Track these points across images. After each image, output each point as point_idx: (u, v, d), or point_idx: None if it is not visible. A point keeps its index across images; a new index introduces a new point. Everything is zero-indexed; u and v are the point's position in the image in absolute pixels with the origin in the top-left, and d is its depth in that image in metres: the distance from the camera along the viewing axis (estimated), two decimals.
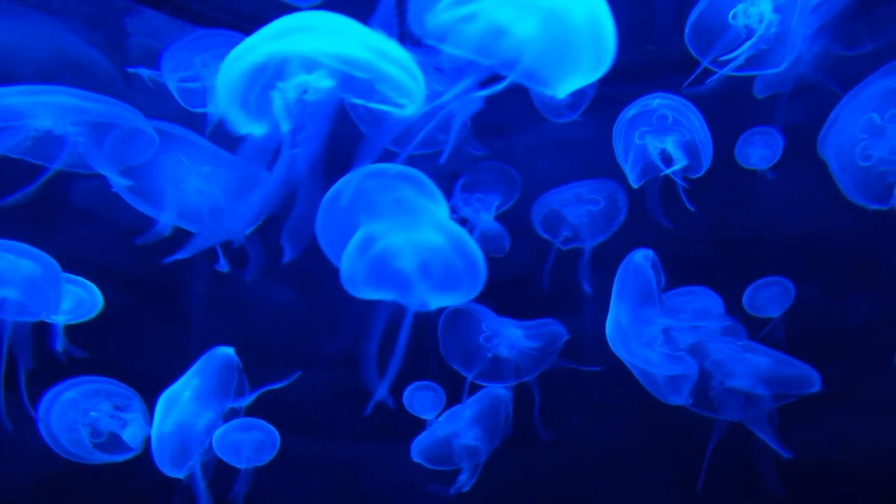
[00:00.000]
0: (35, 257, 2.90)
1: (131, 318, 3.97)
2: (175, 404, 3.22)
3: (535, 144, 4.49)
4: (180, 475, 3.16)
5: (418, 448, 4.06)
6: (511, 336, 3.62)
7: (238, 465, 3.52)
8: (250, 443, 3.47)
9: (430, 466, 4.02)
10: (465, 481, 3.79)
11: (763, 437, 2.83)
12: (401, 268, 1.96)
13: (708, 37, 2.75)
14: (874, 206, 3.06)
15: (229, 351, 3.24)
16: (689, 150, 2.84)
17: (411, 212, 1.95)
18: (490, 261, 4.12)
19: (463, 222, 4.14)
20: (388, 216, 1.94)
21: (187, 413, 3.21)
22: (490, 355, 3.71)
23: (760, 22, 2.69)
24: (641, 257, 2.51)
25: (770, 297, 3.67)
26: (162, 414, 3.15)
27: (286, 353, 4.19)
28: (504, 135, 4.46)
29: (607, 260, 4.15)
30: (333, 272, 1.96)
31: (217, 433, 3.32)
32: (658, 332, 2.51)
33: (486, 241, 4.17)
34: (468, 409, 3.92)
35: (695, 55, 2.80)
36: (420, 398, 3.73)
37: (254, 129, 1.96)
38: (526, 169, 4.34)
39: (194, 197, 2.88)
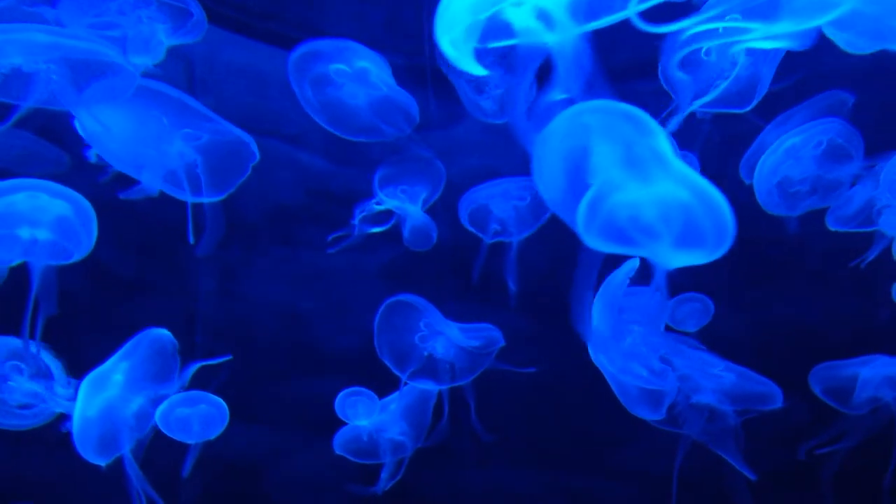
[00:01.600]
0: (68, 197, 2.76)
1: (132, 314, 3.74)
2: (103, 387, 3.06)
3: (470, 139, 4.48)
4: (103, 462, 3.02)
5: (341, 440, 4.00)
6: (450, 335, 3.61)
7: (188, 441, 3.41)
8: (198, 417, 3.35)
9: (353, 460, 3.97)
10: (387, 478, 3.77)
11: (729, 458, 2.92)
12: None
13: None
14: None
15: (163, 332, 3.12)
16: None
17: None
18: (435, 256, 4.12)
19: (389, 215, 4.08)
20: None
21: (116, 397, 3.08)
22: (426, 354, 3.69)
23: (734, 64, 2.76)
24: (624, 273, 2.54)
25: (689, 312, 3.84)
26: (87, 396, 2.99)
27: (290, 353, 4.02)
28: (442, 128, 4.42)
29: (533, 256, 4.24)
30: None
31: (161, 411, 3.19)
32: (639, 344, 2.55)
33: (414, 235, 4.13)
34: (395, 403, 3.89)
35: (665, 87, 2.83)
36: (352, 404, 3.66)
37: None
38: (457, 163, 4.34)
39: (174, 161, 2.76)
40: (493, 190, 4.34)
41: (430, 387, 3.69)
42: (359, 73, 3.78)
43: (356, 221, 4.02)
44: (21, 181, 2.72)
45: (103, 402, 3.08)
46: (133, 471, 3.04)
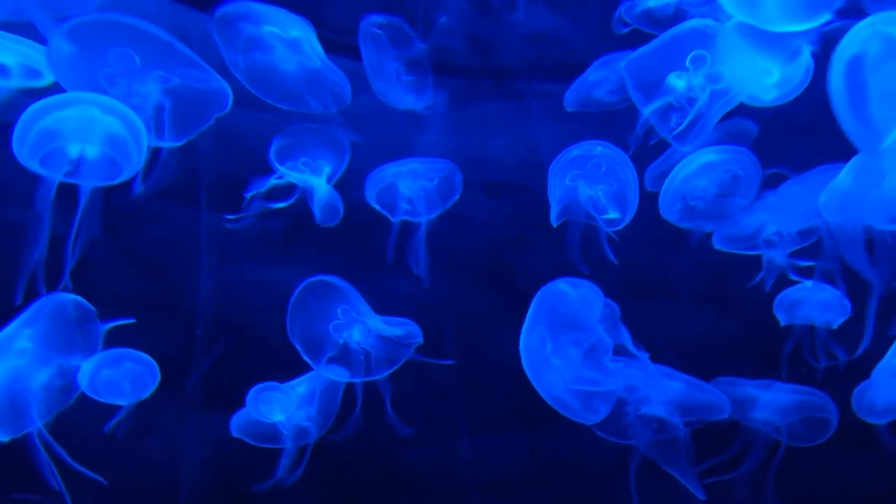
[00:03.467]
0: (120, 113, 2.64)
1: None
2: (2, 356, 2.85)
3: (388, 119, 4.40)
4: (6, 437, 2.83)
5: (239, 422, 3.86)
6: (369, 324, 3.55)
7: (122, 403, 3.26)
8: (126, 376, 3.19)
9: (251, 443, 3.85)
10: (288, 465, 3.69)
11: (678, 476, 3.02)
12: None
13: (645, 84, 2.86)
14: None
15: (72, 297, 2.92)
16: (617, 201, 2.97)
17: None
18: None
19: (291, 189, 3.96)
20: None
21: (18, 367, 2.88)
22: (341, 342, 3.61)
23: (694, 99, 2.86)
24: (566, 284, 2.61)
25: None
26: None
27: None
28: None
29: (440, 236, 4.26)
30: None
31: (84, 376, 3.00)
32: (588, 348, 2.62)
33: (322, 211, 4.03)
34: (301, 386, 3.80)
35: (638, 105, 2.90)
36: (266, 400, 3.52)
37: None
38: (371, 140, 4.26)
39: (139, 100, 2.70)
40: (401, 169, 4.29)
41: (343, 377, 3.61)
42: (292, 40, 3.59)
43: (249, 196, 3.85)
44: (73, 95, 2.60)
45: (4, 371, 2.87)
46: (45, 447, 2.81)
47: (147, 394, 3.28)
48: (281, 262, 4.12)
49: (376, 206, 4.32)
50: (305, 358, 3.68)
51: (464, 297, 4.26)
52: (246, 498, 3.75)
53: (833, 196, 2.68)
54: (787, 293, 3.64)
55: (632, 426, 2.97)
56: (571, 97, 4.37)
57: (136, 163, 2.72)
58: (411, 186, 4.32)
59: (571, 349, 2.64)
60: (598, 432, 2.90)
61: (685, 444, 2.99)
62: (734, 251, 3.63)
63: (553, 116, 3.93)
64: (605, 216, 2.90)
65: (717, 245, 3.63)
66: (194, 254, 4.12)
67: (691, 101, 2.89)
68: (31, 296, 2.79)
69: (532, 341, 2.64)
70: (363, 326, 3.62)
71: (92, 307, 3.00)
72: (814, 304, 3.61)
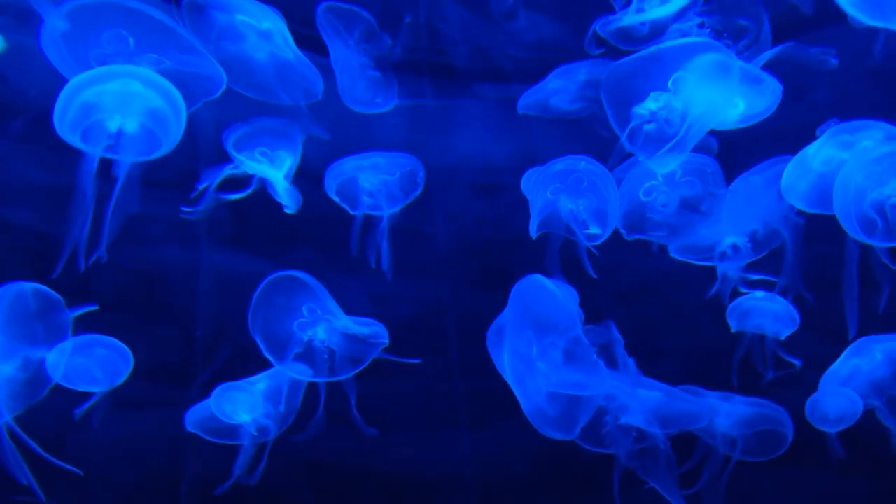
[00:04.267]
0: (160, 87, 2.65)
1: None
2: None
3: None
4: None
5: (195, 418, 3.80)
6: (335, 323, 3.53)
7: (96, 390, 3.21)
8: (97, 363, 3.14)
9: (207, 439, 3.79)
10: (244, 463, 3.65)
11: (659, 487, 3.08)
12: None
13: (621, 100, 2.92)
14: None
15: (32, 286, 2.86)
16: (597, 216, 3.03)
17: None
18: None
19: (248, 180, 3.91)
20: None
21: None
22: (305, 339, 3.59)
23: (670, 121, 2.94)
24: (554, 287, 2.64)
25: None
26: None
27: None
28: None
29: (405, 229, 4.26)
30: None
31: (53, 364, 2.92)
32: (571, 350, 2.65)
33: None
34: (261, 382, 3.76)
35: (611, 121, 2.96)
36: (230, 399, 3.47)
37: None
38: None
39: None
40: (363, 162, 4.28)
41: (305, 375, 3.58)
42: (265, 31, 3.53)
43: (201, 187, 3.78)
44: (114, 68, 2.60)
45: None
46: (12, 442, 2.75)
47: (121, 380, 3.23)
48: (278, 261, 4.05)
49: (336, 199, 4.28)
50: (267, 355, 3.63)
51: (464, 297, 4.27)
52: (247, 498, 3.71)
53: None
54: (740, 301, 3.77)
55: (611, 435, 2.99)
56: (527, 101, 4.43)
57: (174, 137, 2.72)
58: (372, 180, 4.30)
59: (556, 352, 2.67)
60: (577, 441, 2.94)
61: (665, 454, 3.04)
62: (690, 262, 3.73)
63: (552, 122, 3.96)
64: (587, 231, 2.94)
65: (674, 255, 3.72)
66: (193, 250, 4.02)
67: (668, 122, 2.94)
68: (72, 271, 2.68)
69: (519, 344, 2.65)
70: (329, 325, 3.60)
71: (57, 296, 2.91)
72: (765, 313, 3.76)
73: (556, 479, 4.29)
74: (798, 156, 3.06)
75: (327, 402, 3.62)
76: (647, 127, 2.92)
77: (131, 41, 2.64)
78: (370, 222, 4.25)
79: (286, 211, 3.84)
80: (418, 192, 4.22)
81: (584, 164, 2.91)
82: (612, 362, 2.76)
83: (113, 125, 2.66)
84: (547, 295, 2.64)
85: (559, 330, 2.64)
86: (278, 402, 3.62)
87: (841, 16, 3.39)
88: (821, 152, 3.12)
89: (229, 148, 3.77)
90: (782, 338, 3.69)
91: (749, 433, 3.38)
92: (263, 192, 3.63)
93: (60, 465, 2.85)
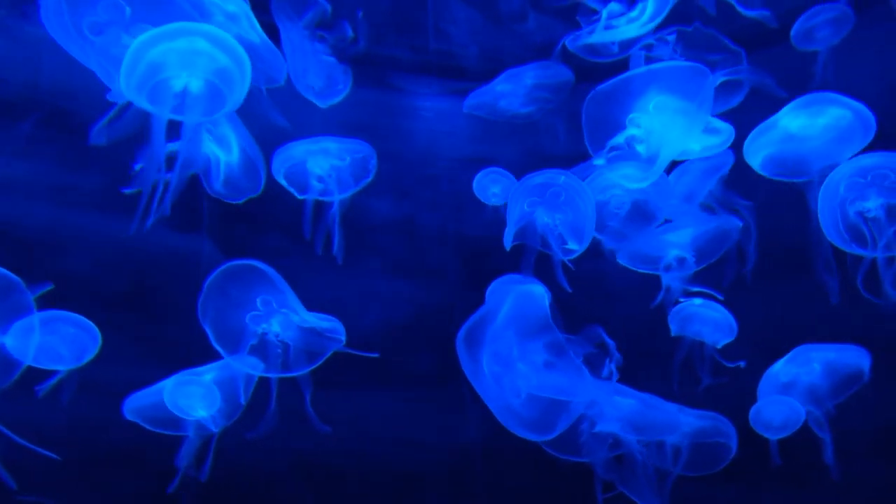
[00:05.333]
0: (226, 45, 2.60)
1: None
2: None
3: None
4: None
5: (136, 406, 3.68)
6: (291, 317, 3.47)
7: (63, 368, 3.16)
8: (63, 341, 3.08)
9: (148, 428, 3.69)
10: (188, 454, 3.57)
11: (636, 498, 3.12)
12: None
13: (600, 125, 2.99)
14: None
15: None
16: (573, 231, 3.08)
17: None
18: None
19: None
20: None
21: None
22: (259, 332, 3.52)
23: (640, 142, 3.03)
24: (538, 290, 2.69)
25: None
26: None
27: None
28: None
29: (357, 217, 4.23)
30: None
31: (14, 343, 2.84)
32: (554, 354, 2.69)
33: (227, 184, 3.91)
34: (209, 374, 3.67)
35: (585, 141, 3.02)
36: (185, 394, 3.37)
37: None
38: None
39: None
40: (312, 147, 4.21)
41: (257, 369, 3.52)
42: (231, 14, 3.40)
43: (137, 168, 3.65)
44: (180, 26, 2.56)
45: None
46: None
47: (88, 358, 3.17)
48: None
49: (283, 183, 4.20)
50: (215, 345, 3.55)
51: (464, 298, 4.25)
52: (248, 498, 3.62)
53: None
54: (683, 306, 3.91)
55: (587, 444, 3.02)
56: (473, 102, 4.44)
57: (239, 95, 2.70)
58: (322, 165, 4.24)
59: (539, 355, 2.69)
60: (552, 451, 2.97)
61: (643, 463, 3.10)
62: (637, 269, 3.85)
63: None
64: (564, 246, 2.99)
65: (621, 261, 3.83)
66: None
67: (642, 143, 3.01)
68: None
69: (499, 346, 2.67)
70: (284, 318, 3.53)
71: (15, 277, 2.77)
72: (705, 321, 3.92)
73: (560, 479, 4.37)
74: (765, 123, 3.20)
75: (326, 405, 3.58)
76: (620, 145, 2.98)
77: (128, 10, 2.58)
78: (321, 208, 4.19)
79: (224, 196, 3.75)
80: (369, 179, 4.18)
81: (563, 178, 2.94)
82: (595, 368, 2.79)
83: (178, 84, 2.61)
84: (530, 297, 2.66)
85: (542, 332, 2.66)
86: (236, 396, 3.54)
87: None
88: (785, 120, 3.26)
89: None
90: (719, 346, 3.85)
91: (695, 444, 3.49)
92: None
93: (34, 448, 2.73)
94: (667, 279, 3.81)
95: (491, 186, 4.23)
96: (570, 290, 2.90)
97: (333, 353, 3.42)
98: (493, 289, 2.92)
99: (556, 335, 2.65)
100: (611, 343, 2.75)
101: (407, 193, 4.42)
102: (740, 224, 3.69)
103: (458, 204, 4.25)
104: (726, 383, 3.71)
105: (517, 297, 2.63)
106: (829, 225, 2.88)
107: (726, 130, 3.28)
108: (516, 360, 2.62)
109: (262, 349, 3.52)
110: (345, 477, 4.41)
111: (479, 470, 4.44)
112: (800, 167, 3.19)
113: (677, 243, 3.75)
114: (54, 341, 3.07)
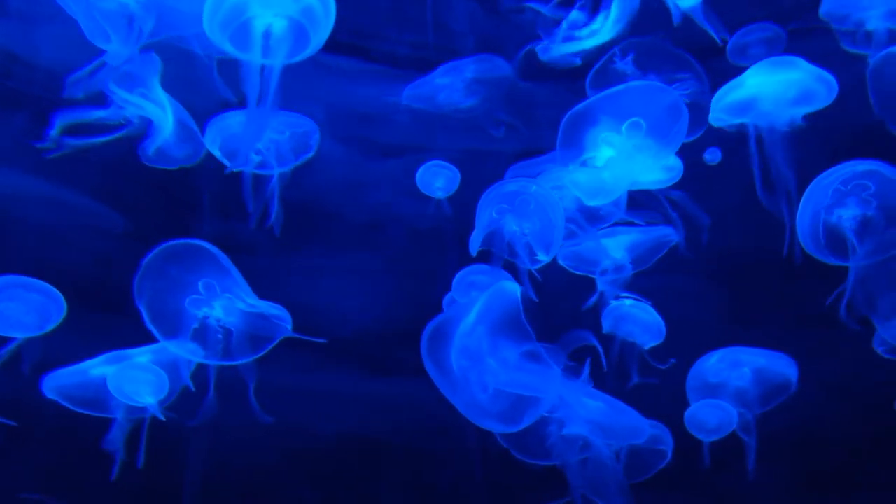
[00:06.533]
0: None
1: None
2: None
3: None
4: None
5: (58, 383, 3.48)
6: (235, 302, 3.35)
7: (24, 335, 3.08)
8: (26, 307, 3.00)
9: (70, 408, 3.51)
10: (119, 438, 3.42)
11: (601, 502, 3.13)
12: None
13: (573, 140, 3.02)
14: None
15: None
16: (541, 240, 3.09)
17: None
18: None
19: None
20: None
21: None
22: (200, 316, 3.39)
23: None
24: (512, 287, 2.72)
25: None
26: None
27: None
28: None
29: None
30: None
31: None
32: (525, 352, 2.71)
33: (158, 153, 3.77)
34: (143, 356, 3.52)
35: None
36: (132, 380, 3.20)
37: None
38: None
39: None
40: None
41: (195, 355, 3.39)
42: None
43: (54, 133, 3.45)
44: None
45: None
46: None
47: (53, 325, 3.10)
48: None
49: (217, 154, 4.03)
50: (149, 327, 3.39)
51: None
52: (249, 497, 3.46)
53: None
54: (617, 306, 4.03)
55: (555, 447, 3.02)
56: (412, 93, 4.37)
57: (323, 35, 2.66)
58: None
59: (510, 351, 2.69)
60: (520, 455, 2.98)
61: (612, 468, 3.13)
62: (575, 271, 3.92)
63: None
64: (533, 256, 3.00)
65: (561, 262, 3.89)
66: None
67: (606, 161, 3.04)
68: None
69: (471, 341, 2.65)
70: (228, 304, 3.40)
71: None
72: (637, 322, 4.05)
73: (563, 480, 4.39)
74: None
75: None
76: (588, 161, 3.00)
77: None
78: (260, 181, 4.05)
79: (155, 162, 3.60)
80: (310, 155, 4.06)
81: (534, 187, 2.93)
82: (569, 369, 2.80)
83: (261, 25, 2.60)
84: (504, 294, 2.65)
85: (514, 330, 2.67)
86: (179, 381, 3.40)
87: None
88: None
89: (110, 87, 3.41)
90: (646, 348, 3.98)
91: (630, 450, 3.59)
92: None
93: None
94: (601, 283, 3.89)
95: (434, 180, 4.20)
96: (536, 300, 2.91)
97: (331, 351, 3.31)
98: (459, 280, 2.89)
99: (527, 333, 2.65)
100: (597, 345, 2.77)
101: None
102: (675, 238, 3.79)
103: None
104: (657, 385, 3.84)
105: (491, 294, 2.61)
106: (805, 230, 2.96)
107: (677, 168, 3.34)
108: (486, 356, 2.61)
109: (202, 334, 3.38)
110: (344, 475, 4.34)
111: (479, 467, 4.45)
112: (750, 107, 3.26)
113: (616, 249, 3.83)
114: (16, 308, 2.99)
